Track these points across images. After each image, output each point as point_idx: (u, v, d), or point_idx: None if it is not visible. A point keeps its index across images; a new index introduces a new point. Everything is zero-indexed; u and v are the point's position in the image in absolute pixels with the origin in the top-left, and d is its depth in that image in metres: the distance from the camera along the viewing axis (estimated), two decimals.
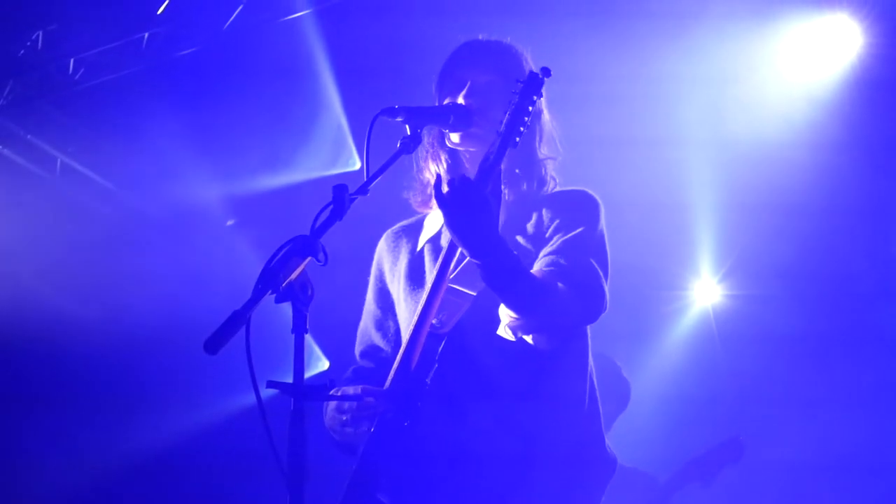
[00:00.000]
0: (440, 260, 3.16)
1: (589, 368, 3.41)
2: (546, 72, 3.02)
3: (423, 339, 3.17)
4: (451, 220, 2.96)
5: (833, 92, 6.73)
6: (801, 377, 7.74)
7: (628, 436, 7.01)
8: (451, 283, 3.20)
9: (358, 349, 3.73)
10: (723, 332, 8.21)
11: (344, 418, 3.27)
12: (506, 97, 3.29)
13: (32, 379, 7.68)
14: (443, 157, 3.52)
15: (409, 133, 3.22)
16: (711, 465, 6.42)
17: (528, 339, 3.12)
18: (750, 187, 7.12)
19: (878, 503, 7.37)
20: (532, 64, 3.52)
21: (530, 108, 3.03)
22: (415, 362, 3.16)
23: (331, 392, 3.42)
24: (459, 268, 3.17)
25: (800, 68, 6.70)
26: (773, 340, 7.82)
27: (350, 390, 3.27)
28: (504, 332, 3.14)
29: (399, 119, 3.24)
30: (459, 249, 3.09)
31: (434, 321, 3.18)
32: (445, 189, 2.96)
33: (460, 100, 3.40)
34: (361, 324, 3.75)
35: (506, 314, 3.10)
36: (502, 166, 3.10)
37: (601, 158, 6.14)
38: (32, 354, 7.58)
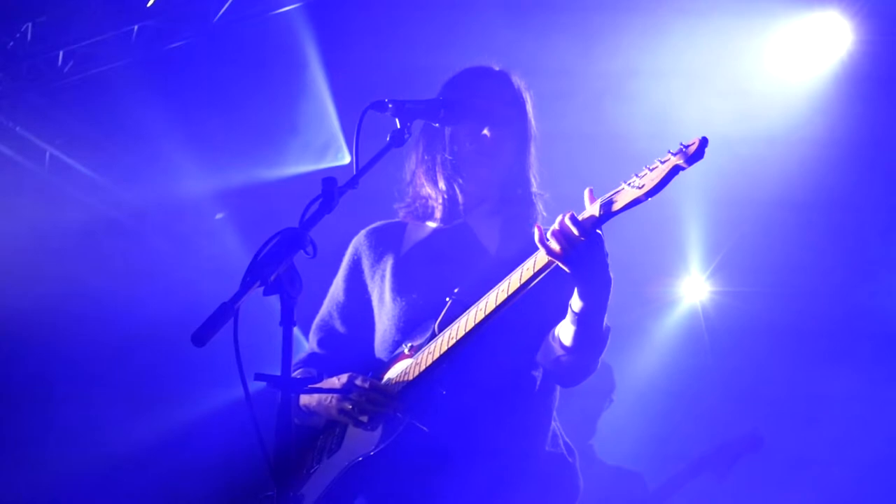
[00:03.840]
0: (514, 286, 3.11)
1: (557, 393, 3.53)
2: (706, 141, 2.85)
3: (452, 357, 3.22)
4: (587, 268, 3.02)
5: (823, 89, 6.74)
6: (789, 373, 7.77)
7: (616, 431, 7.04)
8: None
9: (316, 336, 3.76)
10: (711, 329, 8.23)
11: (347, 407, 3.29)
12: (519, 131, 3.54)
13: (18, 372, 7.66)
14: (444, 174, 3.56)
15: (398, 127, 3.22)
16: (727, 457, 6.44)
17: (567, 372, 3.28)
18: (738, 184, 7.12)
19: (867, 495, 7.39)
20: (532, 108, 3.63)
21: (682, 170, 2.89)
22: (441, 369, 3.24)
23: (296, 373, 3.51)
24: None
25: (790, 65, 6.70)
26: (762, 336, 7.85)
27: (359, 381, 3.30)
28: (548, 360, 3.26)
29: (388, 113, 3.25)
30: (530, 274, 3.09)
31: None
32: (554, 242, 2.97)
33: (486, 132, 3.47)
34: (323, 312, 3.78)
35: (559, 345, 3.20)
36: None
37: (589, 155, 6.15)
38: (18, 347, 7.55)
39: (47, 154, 7.62)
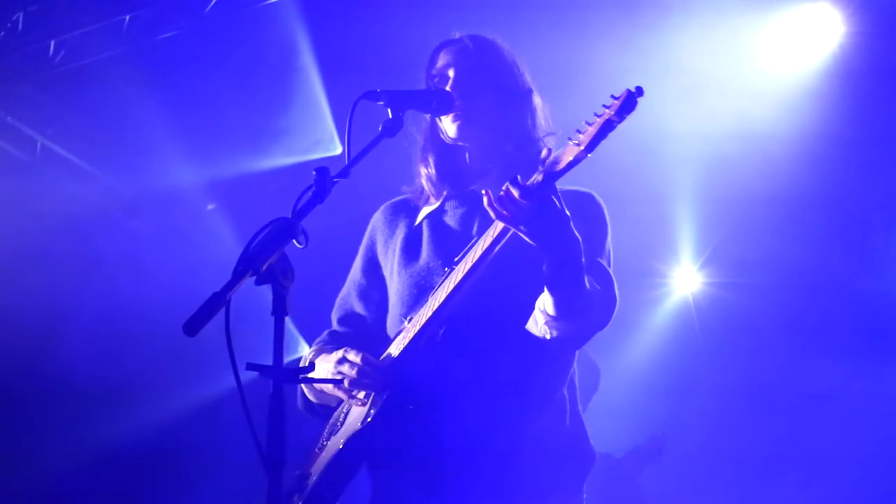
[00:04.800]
0: (478, 254, 3.12)
1: (574, 365, 3.47)
2: (640, 91, 2.87)
3: (436, 325, 3.21)
4: (541, 232, 2.94)
5: (814, 82, 6.75)
6: (781, 364, 7.79)
7: (608, 422, 7.05)
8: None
9: (336, 315, 3.76)
10: (702, 320, 8.25)
11: (340, 380, 3.29)
12: (491, 82, 3.41)
13: (8, 367, 7.63)
14: (430, 159, 3.53)
15: (391, 117, 3.22)
16: (633, 464, 6.50)
17: (558, 339, 3.16)
18: (730, 177, 7.14)
19: (859, 488, 7.42)
20: (512, 50, 3.56)
21: (615, 124, 2.87)
22: (424, 342, 3.23)
23: (312, 350, 3.50)
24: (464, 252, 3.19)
25: (781, 58, 6.71)
26: (753, 328, 7.86)
27: (352, 355, 3.30)
28: (537, 329, 3.17)
29: (381, 103, 3.23)
30: (489, 241, 3.09)
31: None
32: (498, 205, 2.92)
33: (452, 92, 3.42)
34: (343, 291, 3.78)
35: (544, 313, 3.12)
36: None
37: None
38: (8, 340, 7.53)
39: (38, 144, 7.61)
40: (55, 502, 7.75)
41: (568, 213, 2.98)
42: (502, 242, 3.07)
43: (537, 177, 2.91)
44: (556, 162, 2.89)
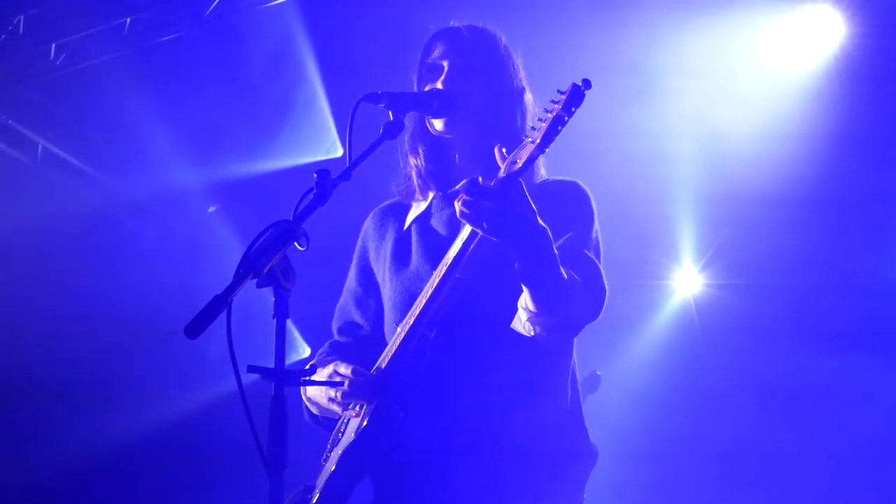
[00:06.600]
0: (451, 258, 3.12)
1: (573, 362, 3.44)
2: (587, 84, 2.86)
3: (423, 329, 3.20)
4: (503, 229, 2.91)
5: (815, 83, 6.75)
6: (781, 367, 7.77)
7: (608, 424, 7.05)
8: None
9: (336, 325, 3.75)
10: (704, 322, 8.24)
11: (332, 394, 3.30)
12: (484, 78, 3.39)
13: (11, 367, 7.63)
14: (420, 151, 3.51)
15: (391, 119, 3.20)
16: None
17: (544, 335, 3.12)
18: (731, 178, 7.13)
19: (857, 492, 7.41)
20: (508, 45, 3.55)
21: (566, 119, 2.87)
22: (412, 350, 3.21)
23: (311, 363, 3.50)
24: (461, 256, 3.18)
25: (782, 60, 6.71)
26: (754, 330, 7.85)
27: (342, 368, 3.29)
28: (521, 326, 3.14)
29: (382, 105, 3.22)
30: (460, 245, 3.09)
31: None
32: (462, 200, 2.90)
33: (439, 85, 3.40)
34: (341, 300, 3.77)
35: (526, 310, 3.09)
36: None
37: (584, 149, 6.14)
38: (11, 342, 7.53)
39: (39, 147, 7.62)
40: (55, 503, 7.74)
41: (535, 207, 2.95)
42: (473, 244, 3.06)
43: (498, 176, 2.90)
44: (514, 161, 2.89)
